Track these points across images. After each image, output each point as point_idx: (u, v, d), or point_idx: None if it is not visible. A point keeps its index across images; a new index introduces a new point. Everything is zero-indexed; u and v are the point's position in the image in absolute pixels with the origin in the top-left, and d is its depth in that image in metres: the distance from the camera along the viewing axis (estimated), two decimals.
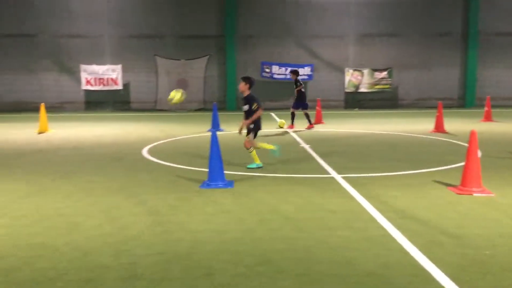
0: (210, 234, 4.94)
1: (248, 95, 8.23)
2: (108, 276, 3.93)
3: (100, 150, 10.85)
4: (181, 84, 22.97)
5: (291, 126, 14.98)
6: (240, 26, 23.47)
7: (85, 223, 5.35)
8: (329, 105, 23.59)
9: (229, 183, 7.05)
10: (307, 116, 14.78)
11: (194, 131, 14.52)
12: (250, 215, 5.59)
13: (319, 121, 16.46)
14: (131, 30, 23.26)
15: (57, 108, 23.00)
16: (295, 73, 14.83)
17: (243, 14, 23.46)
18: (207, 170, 7.24)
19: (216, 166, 6.98)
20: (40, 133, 14.16)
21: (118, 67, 22.88)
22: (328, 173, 7.96)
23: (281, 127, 14.83)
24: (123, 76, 23.02)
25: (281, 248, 4.51)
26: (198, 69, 23.48)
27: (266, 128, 14.95)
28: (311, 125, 14.88)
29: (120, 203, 6.19)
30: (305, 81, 23.86)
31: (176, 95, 8.70)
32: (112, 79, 22.89)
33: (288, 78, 23.57)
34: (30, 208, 6.01)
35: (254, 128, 8.28)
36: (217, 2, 23.41)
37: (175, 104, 8.59)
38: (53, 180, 7.66)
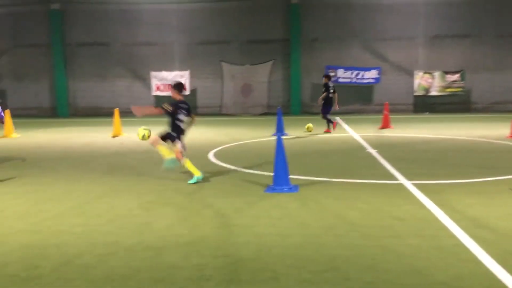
0: (275, 238, 4.96)
1: (176, 101, 7.79)
2: (179, 276, 4.05)
3: None
4: (246, 89, 23.30)
5: (328, 130, 15.06)
6: (305, 29, 23.42)
7: (156, 224, 5.55)
8: (396, 109, 22.94)
9: (294, 188, 7.04)
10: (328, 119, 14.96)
11: (259, 135, 14.65)
12: (315, 221, 5.55)
13: (386, 125, 16.05)
14: (198, 37, 23.90)
15: (129, 113, 24.07)
16: (327, 77, 15.26)
17: (308, 18, 23.39)
18: (272, 174, 7.27)
19: (281, 171, 6.99)
20: (114, 136, 14.87)
21: (186, 73, 23.58)
22: (396, 179, 7.74)
23: (309, 131, 14.80)
24: (191, 82, 23.69)
25: (348, 255, 4.44)
26: (262, 73, 23.68)
27: (331, 133, 14.79)
28: (328, 130, 15.02)
29: (189, 205, 6.36)
30: (371, 85, 23.42)
31: (141, 133, 8.13)
32: None
33: (354, 82, 23.20)
34: (104, 208, 6.32)
35: (177, 136, 7.74)
36: (282, 7, 23.52)
37: (143, 139, 8.19)
38: (126, 181, 8.01)
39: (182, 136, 7.84)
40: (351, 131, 15.11)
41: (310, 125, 15.18)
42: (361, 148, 11.57)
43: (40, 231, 5.35)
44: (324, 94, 14.85)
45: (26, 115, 23.79)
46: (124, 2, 23.91)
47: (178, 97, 7.86)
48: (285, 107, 23.06)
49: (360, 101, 23.72)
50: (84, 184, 7.87)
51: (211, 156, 10.64)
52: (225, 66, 23.76)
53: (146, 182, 7.95)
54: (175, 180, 8.05)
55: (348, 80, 23.24)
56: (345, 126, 16.96)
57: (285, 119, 15.81)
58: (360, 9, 23.35)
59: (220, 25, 23.78)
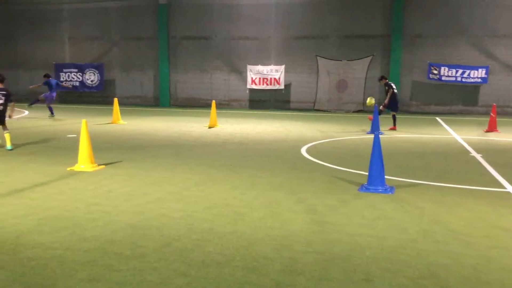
0: (368, 239, 4.84)
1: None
2: (271, 267, 4.11)
3: (262, 146, 11.39)
4: (342, 85, 22.91)
5: (394, 127, 15.02)
6: (408, 25, 22.45)
7: (249, 215, 5.68)
8: (505, 112, 21.26)
9: (390, 189, 6.81)
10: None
11: (353, 133, 14.36)
12: (411, 224, 5.33)
13: (493, 128, 14.92)
14: (295, 31, 23.91)
15: (225, 105, 24.79)
16: (384, 78, 15.43)
17: (411, 13, 22.39)
18: (365, 173, 7.10)
19: (377, 170, 6.80)
20: (210, 127, 15.42)
21: (281, 68, 23.72)
22: (503, 187, 7.18)
23: (370, 105, 14.66)
24: (285, 76, 23.80)
25: (447, 263, 4.21)
26: (359, 70, 23.11)
27: (430, 134, 14.10)
28: (394, 127, 15.06)
29: (281, 199, 6.42)
30: (477, 84, 21.90)
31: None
32: (275, 79, 23.85)
33: (458, 81, 21.87)
34: (201, 196, 6.58)
35: None
36: (383, 1, 22.75)
37: None
38: (221, 171, 8.27)
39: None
40: (453, 133, 14.27)
41: (371, 100, 14.71)
42: (464, 151, 10.89)
43: (143, 213, 5.71)
44: (390, 92, 14.76)
45: (131, 103, 25.46)
46: None
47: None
48: (381, 104, 22.31)
49: (464, 101, 22.30)
50: (182, 171, 8.25)
51: (304, 151, 10.63)
52: (321, 61, 23.53)
53: (240, 173, 8.14)
54: (267, 173, 8.15)
55: (452, 79, 21.92)
56: (446, 127, 16.06)
57: (381, 117, 15.34)
58: (469, 4, 21.88)
59: (318, 19, 23.58)
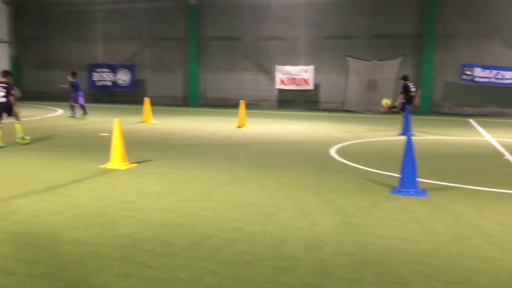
0: (401, 242, 4.77)
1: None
2: (301, 268, 4.09)
3: (290, 147, 11.36)
4: (372, 85, 22.62)
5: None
6: (440, 25, 22.00)
7: (278, 215, 5.68)
8: None
9: (422, 192, 6.69)
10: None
11: (383, 134, 14.17)
12: (445, 228, 5.22)
13: None
14: (325, 31, 23.75)
15: (253, 105, 24.83)
16: (405, 78, 15.09)
17: (444, 12, 21.94)
18: (397, 175, 7.00)
19: (409, 173, 6.68)
20: (239, 127, 15.48)
21: (311, 68, 23.60)
22: None
23: (386, 105, 14.90)
24: (314, 77, 23.67)
25: (482, 269, 4.11)
26: (390, 70, 22.78)
27: (463, 136, 13.79)
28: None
29: (310, 200, 6.39)
30: (510, 86, 21.28)
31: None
32: (304, 79, 23.75)
33: (492, 82, 21.31)
34: (230, 195, 6.61)
35: None
36: (416, 1, 22.37)
37: None
38: (250, 171, 8.29)
39: None
40: (486, 135, 13.92)
41: (387, 101, 14.95)
42: (497, 154, 10.61)
43: (174, 211, 5.77)
44: (401, 97, 14.70)
45: (161, 103, 25.76)
46: None
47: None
48: (413, 106, 21.93)
49: (499, 103, 21.71)
50: (211, 171, 8.31)
51: (332, 152, 10.55)
52: (351, 61, 23.31)
53: (268, 173, 8.14)
54: (295, 173, 8.13)
55: (486, 80, 21.37)
56: (480, 129, 15.68)
57: (413, 119, 15.09)
58: (504, 2, 21.29)
59: (348, 19, 23.36)
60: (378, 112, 22.33)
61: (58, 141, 11.56)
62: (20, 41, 28.74)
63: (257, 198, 6.43)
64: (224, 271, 4.02)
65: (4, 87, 10.44)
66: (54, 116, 18.28)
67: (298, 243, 4.71)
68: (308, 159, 9.68)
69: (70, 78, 18.14)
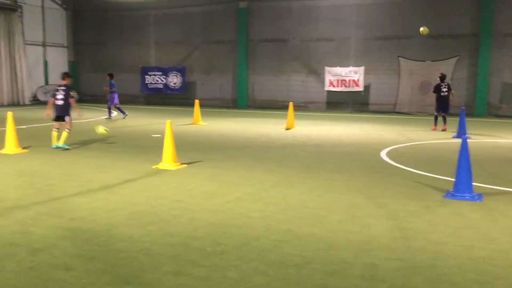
0: (455, 248, 4.62)
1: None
2: (350, 272, 4.05)
3: (340, 149, 11.24)
4: (425, 86, 21.96)
5: (435, 127, 15.36)
6: (498, 24, 21.08)
7: (327, 218, 5.63)
8: None
9: (478, 196, 6.45)
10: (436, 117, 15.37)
11: (436, 136, 13.75)
12: (502, 235, 5.01)
13: None
14: (377, 32, 23.32)
15: (302, 107, 24.75)
16: (441, 78, 15.26)
17: (502, 11, 21.01)
18: (451, 179, 6.77)
19: (464, 176, 6.45)
20: (287, 129, 15.47)
21: (361, 69, 23.24)
22: None
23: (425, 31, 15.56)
24: (365, 78, 23.29)
25: None
26: (444, 71, 22.02)
27: (496, 139, 13.16)
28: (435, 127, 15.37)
29: (360, 203, 6.30)
30: None
31: (99, 129, 11.08)
32: (354, 80, 23.42)
33: None
34: (278, 197, 6.63)
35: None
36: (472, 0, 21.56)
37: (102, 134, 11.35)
38: (298, 173, 8.27)
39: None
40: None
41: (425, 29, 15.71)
42: None
43: (223, 212, 5.86)
44: (435, 97, 15.11)
45: (210, 105, 26.18)
46: None
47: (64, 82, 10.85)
48: (469, 107, 21.16)
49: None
50: (260, 172, 8.36)
51: (383, 155, 10.35)
52: (403, 62, 22.75)
53: (317, 175, 8.10)
54: (345, 176, 8.04)
55: None
56: None
57: (468, 121, 14.56)
58: None
59: (401, 19, 22.83)
60: (432, 114, 21.66)
61: (113, 142, 12.00)
62: (78, 45, 30.06)
63: (306, 201, 6.40)
64: (273, 273, 4.04)
65: (63, 90, 10.65)
66: (109, 118, 18.95)
67: (348, 246, 4.65)
68: (358, 161, 9.54)
69: (108, 79, 18.73)
